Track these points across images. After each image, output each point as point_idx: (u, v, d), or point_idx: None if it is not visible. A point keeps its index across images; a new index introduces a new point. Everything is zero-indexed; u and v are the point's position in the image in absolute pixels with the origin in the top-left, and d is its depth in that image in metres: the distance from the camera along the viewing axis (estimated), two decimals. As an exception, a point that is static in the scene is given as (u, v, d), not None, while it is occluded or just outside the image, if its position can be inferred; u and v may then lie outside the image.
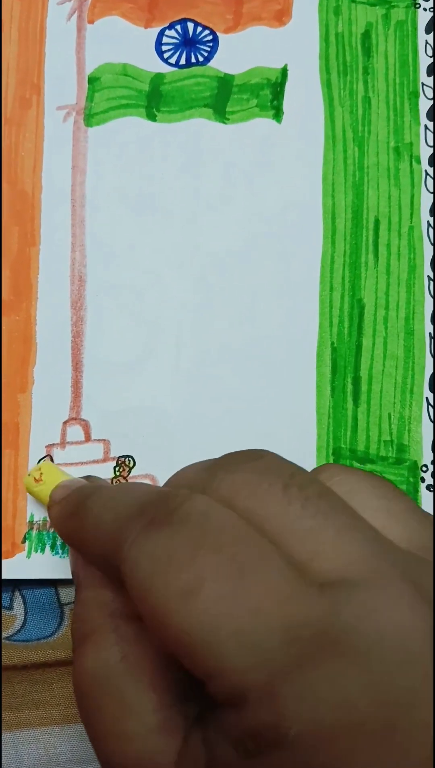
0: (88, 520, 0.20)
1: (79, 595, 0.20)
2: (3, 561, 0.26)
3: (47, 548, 0.26)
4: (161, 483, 0.26)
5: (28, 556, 0.26)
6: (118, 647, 0.18)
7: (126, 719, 0.17)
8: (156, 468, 0.26)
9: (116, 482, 0.26)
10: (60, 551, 0.26)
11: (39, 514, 0.26)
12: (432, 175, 0.28)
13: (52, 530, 0.26)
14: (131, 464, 0.26)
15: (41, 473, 0.24)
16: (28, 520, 0.26)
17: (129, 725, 0.17)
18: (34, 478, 0.25)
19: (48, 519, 0.26)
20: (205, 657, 0.14)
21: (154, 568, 0.15)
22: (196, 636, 0.14)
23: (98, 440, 0.27)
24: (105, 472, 0.26)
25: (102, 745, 0.17)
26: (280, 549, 0.15)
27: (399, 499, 0.18)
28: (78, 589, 0.20)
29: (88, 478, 0.25)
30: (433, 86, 0.29)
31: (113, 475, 0.26)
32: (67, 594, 0.26)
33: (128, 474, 0.26)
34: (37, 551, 0.26)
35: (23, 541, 0.26)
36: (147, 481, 0.26)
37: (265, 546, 0.15)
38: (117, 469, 0.26)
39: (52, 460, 0.26)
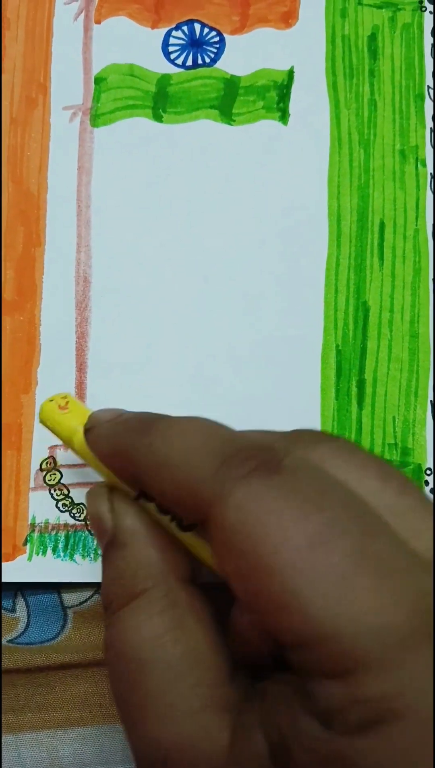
0: (167, 448, 0.17)
1: (115, 553, 0.18)
2: (4, 564, 0.25)
3: (49, 551, 0.26)
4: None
5: (30, 559, 0.26)
6: (170, 614, 0.16)
7: (174, 696, 0.15)
8: (160, 470, 0.26)
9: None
10: (62, 554, 0.26)
11: (41, 516, 0.26)
12: (438, 179, 0.28)
13: (54, 532, 0.26)
14: (135, 466, 0.26)
15: (67, 402, 0.21)
16: (29, 522, 0.26)
17: (177, 702, 0.15)
18: (59, 405, 0.21)
19: (51, 522, 0.26)
20: (319, 619, 0.13)
21: (264, 515, 0.14)
22: (311, 594, 0.13)
23: (102, 442, 0.26)
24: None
25: (140, 725, 0.16)
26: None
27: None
28: (113, 548, 0.18)
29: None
30: (439, 89, 0.29)
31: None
32: (70, 597, 0.26)
33: (132, 476, 0.26)
34: (38, 554, 0.26)
35: (25, 544, 0.26)
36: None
37: (377, 516, 0.15)
38: (120, 470, 0.26)
39: (55, 462, 0.26)
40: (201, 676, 0.16)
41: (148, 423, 0.18)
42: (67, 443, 0.21)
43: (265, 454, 0.15)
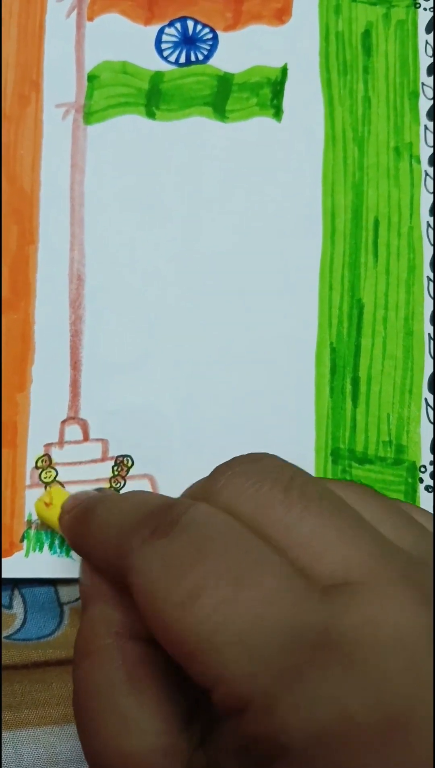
0: (94, 526, 0.20)
1: (85, 611, 0.20)
2: (1, 560, 0.26)
3: (45, 547, 0.26)
4: (160, 483, 0.26)
5: (27, 555, 0.26)
6: (124, 666, 0.18)
7: (128, 739, 0.17)
8: (154, 468, 0.26)
9: (114, 481, 0.26)
10: (59, 550, 0.26)
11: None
12: (432, 175, 0.28)
13: (50, 529, 0.26)
14: (130, 464, 0.26)
15: (51, 497, 0.24)
16: (26, 519, 0.26)
17: (131, 745, 0.17)
18: (45, 503, 0.25)
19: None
20: (207, 664, 0.14)
21: (155, 577, 0.16)
22: (197, 643, 0.14)
23: (97, 440, 0.27)
24: (103, 471, 0.26)
25: (100, 763, 0.17)
26: (283, 553, 0.15)
27: (392, 504, 0.18)
28: (84, 605, 0.20)
29: (99, 490, 0.25)
30: (433, 86, 0.29)
31: (111, 475, 0.26)
32: (67, 593, 0.26)
33: (127, 474, 0.26)
34: (35, 550, 0.26)
35: (21, 540, 0.26)
36: (145, 481, 0.26)
37: (266, 551, 0.15)
38: (115, 468, 0.26)
39: (50, 460, 0.26)
40: (150, 727, 0.17)
41: (86, 512, 0.21)
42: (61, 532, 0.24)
43: (160, 516, 0.17)
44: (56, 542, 0.26)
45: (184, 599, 0.15)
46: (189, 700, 0.18)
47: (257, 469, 0.17)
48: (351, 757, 0.13)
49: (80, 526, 0.21)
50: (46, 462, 0.26)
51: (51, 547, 0.26)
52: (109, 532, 0.19)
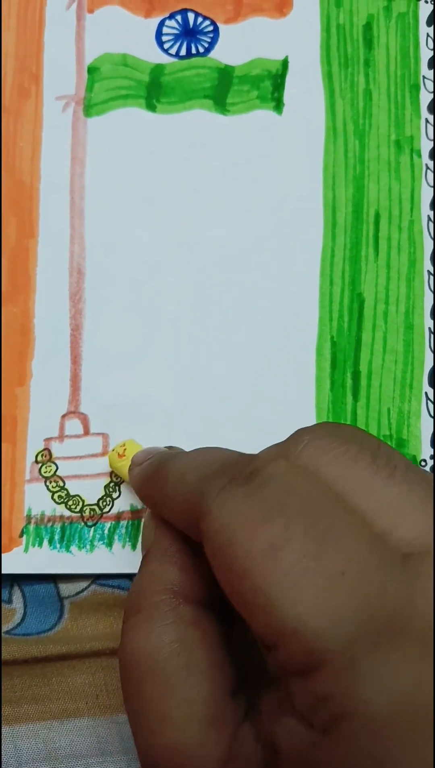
0: (170, 478, 0.19)
1: (144, 565, 0.19)
2: (1, 555, 0.25)
3: (45, 542, 0.26)
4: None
5: (26, 550, 0.26)
6: (174, 627, 0.17)
7: (171, 704, 0.16)
8: (155, 462, 0.26)
9: (115, 475, 0.26)
10: (58, 545, 0.26)
11: (37, 508, 0.26)
12: (432, 169, 0.28)
13: (50, 524, 0.26)
14: (130, 458, 0.26)
15: (124, 449, 0.25)
16: (25, 514, 0.26)
17: (174, 711, 0.16)
18: (118, 453, 0.25)
19: (47, 514, 0.26)
20: (283, 616, 0.14)
21: (234, 523, 0.15)
22: (275, 593, 0.14)
23: (97, 434, 0.26)
24: (104, 466, 0.26)
25: (138, 731, 0.17)
26: (364, 516, 0.15)
27: None
28: (144, 560, 0.20)
29: (170, 448, 0.25)
30: (433, 79, 0.29)
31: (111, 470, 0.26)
32: (67, 587, 0.26)
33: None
34: (34, 545, 0.26)
35: (21, 536, 0.26)
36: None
37: (348, 513, 0.15)
38: (116, 462, 0.26)
39: (51, 454, 0.26)
40: (197, 691, 0.16)
41: (161, 463, 0.21)
42: (130, 484, 0.25)
43: (240, 467, 0.16)
44: (56, 537, 0.26)
45: (266, 548, 0.14)
46: (235, 671, 0.17)
47: (343, 432, 0.17)
48: (422, 729, 0.12)
49: (154, 476, 0.21)
50: (46, 456, 0.26)
51: (51, 542, 0.26)
52: (186, 479, 0.18)
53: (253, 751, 0.15)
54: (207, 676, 0.17)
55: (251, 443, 0.26)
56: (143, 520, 0.21)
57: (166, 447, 0.25)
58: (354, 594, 0.14)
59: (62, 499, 0.26)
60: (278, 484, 0.16)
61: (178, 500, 0.18)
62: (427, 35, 0.29)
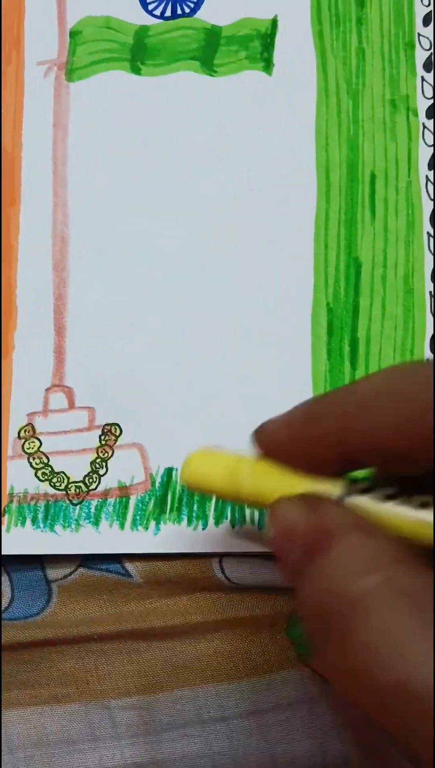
0: (369, 381, 0.15)
1: (328, 552, 0.14)
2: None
3: (28, 522, 0.25)
4: (150, 452, 0.25)
5: (8, 530, 0.24)
6: (408, 613, 0.13)
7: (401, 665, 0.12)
8: (144, 436, 0.25)
9: (101, 451, 0.25)
10: (42, 525, 0.25)
11: (19, 486, 0.25)
12: (431, 129, 0.27)
13: (33, 503, 0.25)
14: (118, 432, 0.25)
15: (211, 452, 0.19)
16: (8, 493, 0.25)
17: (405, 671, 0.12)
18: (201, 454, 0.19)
19: (30, 492, 0.25)
20: None
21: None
22: None
23: (82, 408, 0.25)
24: (90, 441, 0.25)
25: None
26: None
27: None
28: (311, 558, 0.15)
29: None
30: (431, 37, 0.27)
31: (98, 444, 0.25)
32: (54, 570, 0.25)
33: (115, 443, 0.25)
34: (17, 525, 0.25)
35: (2, 515, 0.25)
36: (134, 451, 0.25)
37: None
38: (102, 437, 0.25)
39: (34, 430, 0.25)
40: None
41: (307, 414, 0.16)
42: (228, 485, 0.18)
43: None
44: (39, 516, 0.25)
45: None
46: None
47: None
48: None
49: (331, 395, 0.16)
50: (29, 432, 0.25)
51: (34, 521, 0.25)
52: (397, 386, 0.14)
53: None
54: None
55: (244, 416, 0.25)
56: (274, 508, 0.15)
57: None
58: None
59: (46, 477, 0.25)
60: None
61: (398, 406, 0.14)
62: (422, -8, 0.28)
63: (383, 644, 0.13)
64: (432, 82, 0.27)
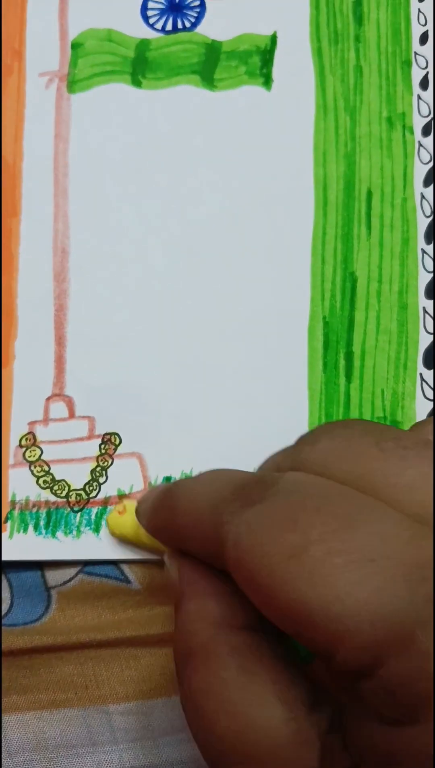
0: (180, 507, 0.19)
1: (179, 609, 0.18)
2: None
3: (30, 528, 0.25)
4: (149, 461, 0.25)
5: (11, 536, 0.25)
6: (232, 659, 0.16)
7: (254, 733, 0.15)
8: (143, 446, 0.26)
9: (101, 460, 0.25)
10: (44, 531, 0.25)
11: (21, 494, 0.25)
12: (426, 147, 0.28)
13: (35, 509, 0.25)
14: (117, 442, 0.26)
15: (124, 506, 0.24)
16: (10, 500, 0.25)
17: (258, 739, 0.15)
18: (118, 512, 0.24)
19: (32, 499, 0.25)
20: (325, 621, 0.13)
21: (255, 538, 0.15)
22: (310, 600, 0.13)
23: (83, 417, 0.26)
24: (90, 450, 0.26)
25: (224, 759, 0.16)
26: (387, 503, 0.15)
27: None
28: (177, 603, 0.19)
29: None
30: (427, 55, 0.28)
31: (98, 453, 0.26)
32: (54, 576, 0.25)
33: (114, 452, 0.26)
34: (19, 531, 0.25)
35: (5, 521, 0.25)
36: (134, 460, 0.26)
37: (370, 500, 0.15)
38: (102, 446, 0.26)
39: (35, 438, 0.25)
40: (273, 715, 0.16)
41: (168, 494, 0.20)
42: (136, 539, 0.24)
43: (250, 488, 0.16)
44: (41, 523, 0.25)
45: (290, 554, 0.14)
46: (310, 683, 0.17)
47: (344, 432, 0.17)
48: None
49: (163, 510, 0.20)
50: (30, 440, 0.26)
51: (36, 528, 0.25)
52: (197, 507, 0.18)
53: (341, 761, 0.15)
54: (280, 697, 0.16)
55: (241, 427, 0.26)
56: (165, 559, 0.20)
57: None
58: (394, 574, 0.13)
59: (47, 484, 0.25)
60: (291, 492, 0.15)
61: (193, 530, 0.18)
62: (419, 11, 0.28)
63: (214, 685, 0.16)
64: (428, 101, 0.28)
